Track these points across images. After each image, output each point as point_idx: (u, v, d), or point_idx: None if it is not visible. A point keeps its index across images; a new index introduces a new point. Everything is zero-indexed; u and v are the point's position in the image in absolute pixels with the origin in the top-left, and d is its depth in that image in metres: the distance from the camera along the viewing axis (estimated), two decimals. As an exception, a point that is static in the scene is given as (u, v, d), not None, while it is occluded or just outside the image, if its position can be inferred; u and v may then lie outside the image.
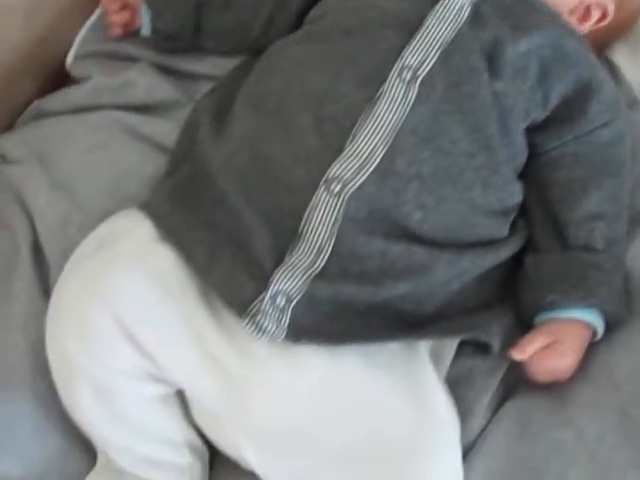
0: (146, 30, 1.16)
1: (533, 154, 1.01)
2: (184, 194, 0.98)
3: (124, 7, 1.17)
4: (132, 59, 1.18)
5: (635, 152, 1.05)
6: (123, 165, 1.08)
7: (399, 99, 0.93)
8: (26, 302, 1.01)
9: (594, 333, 0.96)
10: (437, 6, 0.99)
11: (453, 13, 0.99)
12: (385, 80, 0.94)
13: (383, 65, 0.95)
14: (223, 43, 1.16)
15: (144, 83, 1.14)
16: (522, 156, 1.00)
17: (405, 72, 0.94)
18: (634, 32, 1.18)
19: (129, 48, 1.19)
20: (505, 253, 0.98)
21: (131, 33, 1.18)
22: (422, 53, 0.96)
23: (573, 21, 1.08)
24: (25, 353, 0.98)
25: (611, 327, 0.97)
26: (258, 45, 1.10)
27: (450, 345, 0.97)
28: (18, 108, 1.19)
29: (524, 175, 1.01)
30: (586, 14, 1.09)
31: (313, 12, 1.07)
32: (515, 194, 0.99)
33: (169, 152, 1.09)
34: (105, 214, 1.02)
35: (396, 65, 0.95)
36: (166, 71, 1.17)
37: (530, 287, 0.98)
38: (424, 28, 0.97)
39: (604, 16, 1.10)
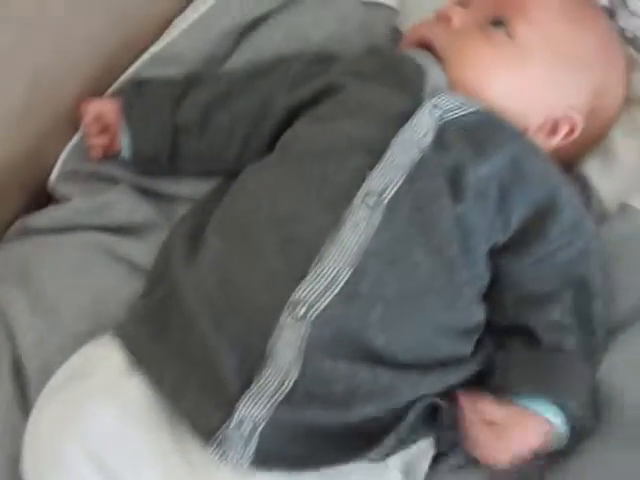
0: (125, 153, 1.18)
1: (495, 276, 1.02)
2: (156, 317, 1.00)
3: (104, 130, 1.18)
4: (113, 180, 1.20)
5: (606, 266, 1.04)
6: (102, 287, 1.10)
7: (363, 223, 0.95)
8: (3, 418, 1.02)
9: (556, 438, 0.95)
10: (402, 131, 1.01)
11: (418, 138, 1.00)
12: (350, 204, 0.96)
13: (348, 189, 0.97)
14: (200, 166, 1.19)
15: (124, 206, 1.16)
16: (484, 279, 1.01)
17: (369, 197, 0.96)
18: (604, 145, 1.20)
19: (110, 169, 1.21)
20: (469, 370, 0.98)
21: (111, 155, 1.20)
22: (387, 177, 0.97)
23: (541, 137, 1.10)
24: (0, 466, 0.99)
25: (580, 437, 0.96)
26: (234, 168, 1.12)
27: (425, 457, 0.98)
28: (4, 224, 1.21)
29: (487, 295, 1.02)
30: (554, 129, 1.11)
31: (284, 137, 1.09)
32: (478, 314, 1.00)
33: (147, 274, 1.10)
34: (84, 335, 1.03)
35: (361, 190, 0.96)
36: (146, 192, 1.20)
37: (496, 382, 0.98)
38: (389, 153, 0.99)
39: (572, 130, 1.11)
